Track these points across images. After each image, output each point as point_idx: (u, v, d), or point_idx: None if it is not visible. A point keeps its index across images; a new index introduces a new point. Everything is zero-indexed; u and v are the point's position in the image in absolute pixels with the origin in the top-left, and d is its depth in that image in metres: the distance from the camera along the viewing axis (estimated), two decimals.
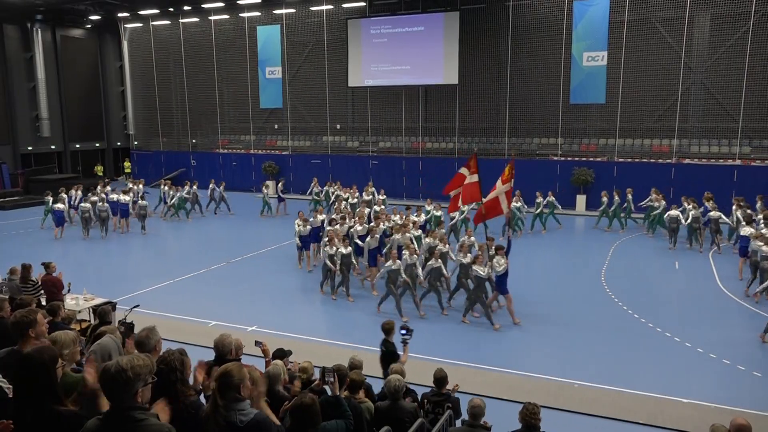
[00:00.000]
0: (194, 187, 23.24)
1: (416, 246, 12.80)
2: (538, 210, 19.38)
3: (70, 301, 10.07)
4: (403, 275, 11.54)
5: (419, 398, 6.12)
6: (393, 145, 27.96)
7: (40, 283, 9.91)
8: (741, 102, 21.32)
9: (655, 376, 8.88)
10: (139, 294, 12.92)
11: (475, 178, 12.57)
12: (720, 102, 22.32)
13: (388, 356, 7.01)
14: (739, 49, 21.16)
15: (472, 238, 12.96)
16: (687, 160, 22.45)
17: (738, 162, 21.62)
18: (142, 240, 19.83)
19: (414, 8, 26.33)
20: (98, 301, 10.11)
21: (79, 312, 9.85)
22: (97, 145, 35.85)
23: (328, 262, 12.70)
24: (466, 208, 17.62)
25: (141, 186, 23.00)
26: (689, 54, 22.30)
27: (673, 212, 16.77)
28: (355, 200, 19.74)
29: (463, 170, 13.06)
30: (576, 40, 23.06)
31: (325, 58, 27.90)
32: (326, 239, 13.31)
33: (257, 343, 6.10)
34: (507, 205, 12.22)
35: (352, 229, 14.56)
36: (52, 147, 33.02)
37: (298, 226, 14.93)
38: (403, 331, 6.84)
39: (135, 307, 9.50)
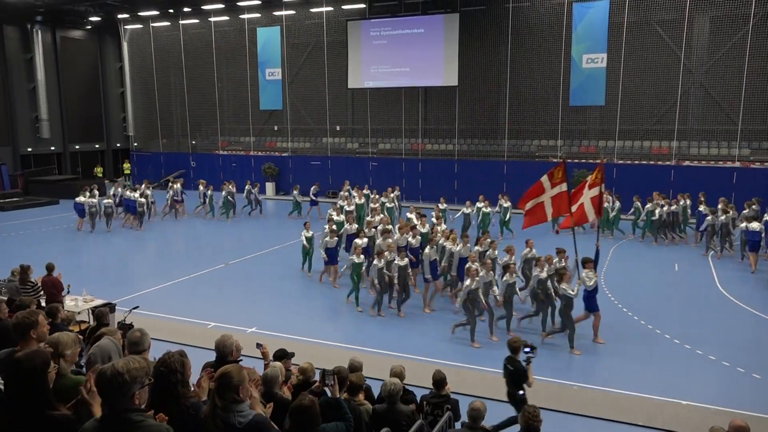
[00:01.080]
0: (231, 187, 22.80)
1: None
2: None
3: (70, 303, 10.07)
4: (481, 297, 10.29)
5: (418, 400, 6.11)
6: (393, 146, 27.97)
7: (39, 284, 9.92)
8: (740, 104, 21.35)
9: (655, 378, 8.88)
10: (138, 295, 12.92)
11: (563, 187, 11.24)
12: (719, 104, 22.35)
13: (516, 375, 6.78)
14: (739, 51, 21.18)
15: (534, 251, 12.18)
16: (686, 162, 22.47)
17: (737, 164, 21.64)
18: (143, 241, 19.84)
19: (414, 10, 26.36)
20: (98, 302, 10.11)
21: (79, 313, 9.86)
22: (97, 146, 35.84)
23: (384, 276, 11.42)
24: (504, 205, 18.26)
25: (144, 186, 22.87)
26: (689, 56, 22.33)
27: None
28: (392, 205, 19.26)
29: (545, 180, 11.36)
30: (576, 42, 23.09)
31: (324, 60, 27.92)
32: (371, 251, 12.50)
33: (258, 345, 6.11)
34: (594, 211, 11.30)
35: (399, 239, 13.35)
36: (52, 148, 33.01)
37: (325, 237, 13.83)
38: (527, 349, 6.68)
39: (134, 308, 9.51)
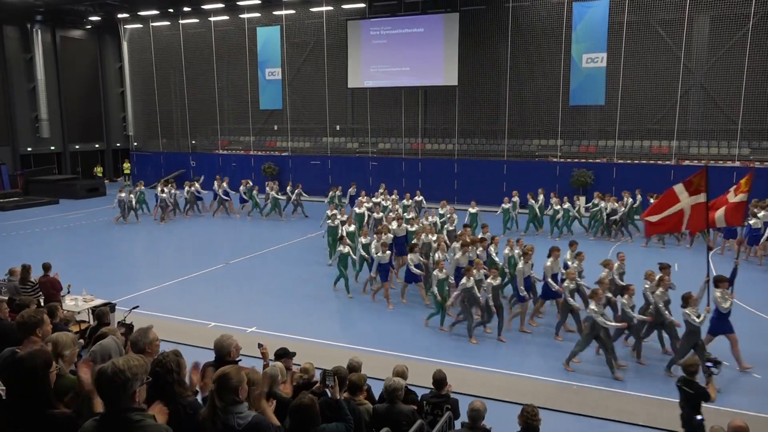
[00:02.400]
0: (276, 188, 22.74)
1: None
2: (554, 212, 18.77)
3: (70, 302, 10.07)
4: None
5: (419, 399, 6.11)
6: (392, 146, 27.96)
7: (38, 284, 9.92)
8: (740, 104, 21.34)
9: (655, 378, 8.88)
10: (138, 295, 12.92)
11: (701, 198, 9.89)
12: (719, 104, 22.35)
13: (696, 398, 6.31)
14: (739, 50, 21.18)
15: (617, 263, 11.11)
16: (686, 162, 22.47)
17: (737, 164, 21.63)
18: (143, 241, 19.86)
19: (414, 9, 26.35)
20: (98, 302, 10.10)
21: (79, 313, 9.86)
22: (97, 146, 35.87)
23: (474, 297, 10.21)
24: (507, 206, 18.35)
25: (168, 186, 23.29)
26: (688, 56, 22.32)
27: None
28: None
29: (680, 189, 9.97)
30: (575, 42, 23.08)
31: (324, 60, 27.91)
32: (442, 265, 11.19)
33: (260, 346, 6.11)
34: (738, 219, 10.23)
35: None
36: (52, 148, 33.03)
37: (377, 249, 12.86)
38: (710, 364, 6.40)
39: (134, 308, 9.51)
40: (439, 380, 6.07)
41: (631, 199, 18.61)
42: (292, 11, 28.16)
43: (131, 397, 2.87)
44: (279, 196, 22.38)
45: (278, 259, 16.66)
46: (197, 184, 23.61)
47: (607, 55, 22.68)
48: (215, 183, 23.46)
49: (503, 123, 25.35)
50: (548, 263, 11.01)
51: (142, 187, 23.57)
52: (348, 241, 13.54)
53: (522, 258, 11.13)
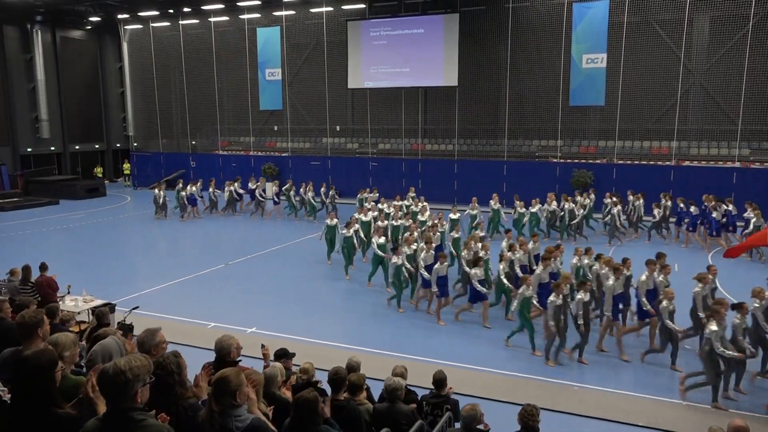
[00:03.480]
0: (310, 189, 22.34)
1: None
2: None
3: (70, 303, 10.08)
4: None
5: (419, 400, 6.11)
6: (392, 146, 27.97)
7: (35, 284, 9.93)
8: (740, 104, 21.35)
9: (655, 378, 8.88)
10: (138, 295, 12.92)
11: None
12: (719, 104, 22.35)
13: None
14: (739, 51, 21.19)
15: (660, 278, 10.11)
16: (686, 162, 22.48)
17: (737, 164, 21.64)
18: (143, 242, 19.88)
19: (414, 10, 26.37)
20: (97, 302, 10.11)
21: (78, 313, 9.86)
22: (97, 146, 35.88)
23: (561, 316, 9.19)
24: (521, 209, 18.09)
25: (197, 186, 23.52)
26: (688, 56, 22.33)
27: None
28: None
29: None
30: (575, 42, 23.09)
31: (324, 60, 27.92)
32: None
33: (262, 347, 6.12)
34: None
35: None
36: (52, 148, 33.04)
37: (428, 260, 12.03)
38: None
39: (134, 308, 9.52)
40: (440, 381, 6.07)
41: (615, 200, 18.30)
42: (292, 12, 28.17)
43: (133, 398, 2.87)
44: (314, 202, 22.01)
45: (278, 259, 16.65)
46: (236, 184, 23.67)
47: (607, 55, 22.68)
48: (251, 183, 23.48)
49: (503, 123, 25.36)
50: (643, 278, 9.82)
51: (193, 187, 23.53)
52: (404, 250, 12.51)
53: (613, 273, 10.02)
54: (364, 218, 16.24)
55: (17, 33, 30.71)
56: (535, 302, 9.99)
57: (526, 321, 9.94)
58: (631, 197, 18.62)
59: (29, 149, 31.88)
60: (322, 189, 22.65)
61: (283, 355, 6.26)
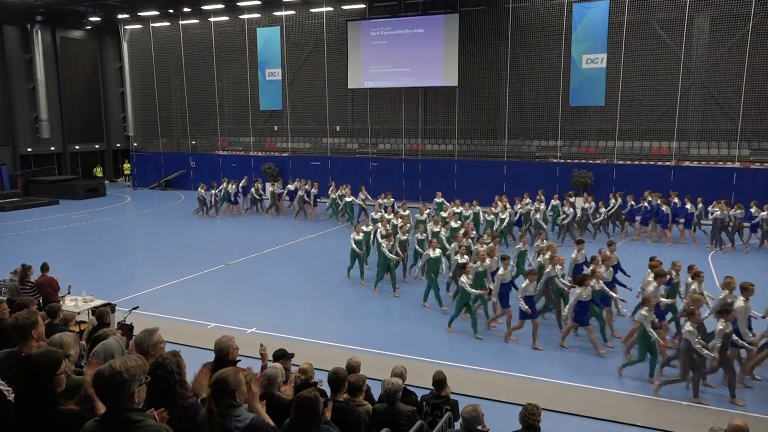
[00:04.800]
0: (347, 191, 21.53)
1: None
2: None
3: (70, 303, 10.08)
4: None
5: (418, 400, 6.11)
6: (392, 146, 27.97)
7: (36, 284, 9.93)
8: (740, 104, 21.35)
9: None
10: (138, 295, 12.92)
11: None
12: (719, 104, 22.35)
13: None
14: (739, 50, 21.18)
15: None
16: (686, 163, 22.48)
17: (737, 164, 21.64)
18: (143, 242, 19.90)
19: (414, 10, 26.36)
20: (97, 302, 10.11)
21: (79, 313, 9.86)
22: (97, 146, 35.89)
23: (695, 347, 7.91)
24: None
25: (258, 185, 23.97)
26: (689, 56, 22.33)
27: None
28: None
29: None
30: (575, 43, 23.08)
31: (324, 60, 27.92)
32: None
33: (261, 346, 6.13)
34: None
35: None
36: (52, 148, 33.05)
37: (487, 267, 11.22)
38: None
39: (134, 308, 9.53)
40: (439, 381, 6.07)
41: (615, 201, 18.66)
42: (292, 12, 28.17)
43: (130, 398, 2.87)
44: (358, 201, 20.94)
45: (278, 259, 16.66)
46: (277, 184, 23.72)
47: (607, 55, 22.68)
48: (295, 183, 23.00)
49: (503, 124, 25.36)
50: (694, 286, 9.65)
51: (227, 184, 23.61)
52: (436, 244, 12.34)
53: (654, 279, 9.74)
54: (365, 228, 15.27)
55: (17, 33, 30.72)
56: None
57: (598, 316, 9.97)
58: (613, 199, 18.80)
59: (29, 149, 31.89)
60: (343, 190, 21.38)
61: (281, 355, 6.25)
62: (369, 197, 21.23)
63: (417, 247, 13.76)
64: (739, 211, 16.94)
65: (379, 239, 13.66)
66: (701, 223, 18.04)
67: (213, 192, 23.24)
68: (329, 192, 21.87)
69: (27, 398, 3.19)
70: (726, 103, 22.06)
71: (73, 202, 27.63)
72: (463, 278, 10.45)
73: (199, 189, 23.10)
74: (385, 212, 17.06)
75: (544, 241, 12.93)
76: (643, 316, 8.56)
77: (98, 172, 34.59)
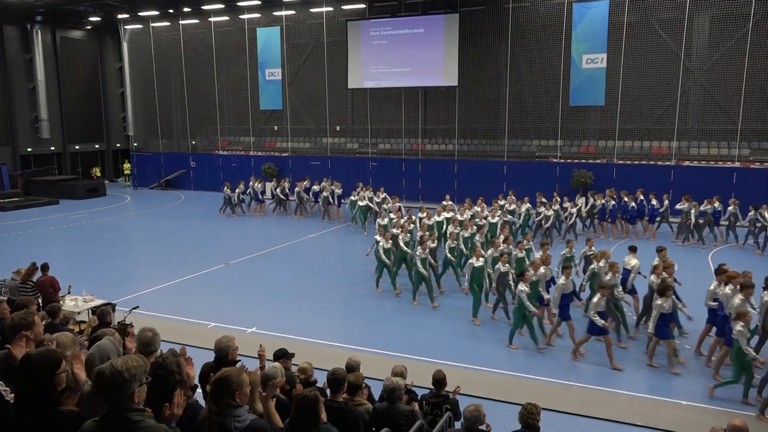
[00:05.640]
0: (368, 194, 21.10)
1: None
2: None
3: (70, 303, 10.09)
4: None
5: (418, 399, 6.11)
6: (392, 146, 27.97)
7: (36, 284, 9.94)
8: (740, 104, 21.34)
9: (654, 379, 8.88)
10: (138, 295, 12.92)
11: None
12: (719, 104, 22.34)
13: None
14: (739, 50, 21.17)
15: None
16: (686, 162, 22.47)
17: (737, 164, 21.63)
18: (143, 242, 19.89)
19: (414, 10, 26.35)
20: (98, 302, 10.12)
21: (79, 313, 9.87)
22: (97, 146, 35.89)
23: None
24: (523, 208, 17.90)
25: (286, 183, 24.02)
26: (688, 56, 22.32)
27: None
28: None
29: None
30: (575, 42, 23.08)
31: (324, 60, 27.91)
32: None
33: (260, 347, 6.12)
34: None
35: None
36: (52, 148, 33.05)
37: (559, 276, 10.61)
38: None
39: (134, 308, 9.53)
40: (439, 380, 6.07)
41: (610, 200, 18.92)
42: (292, 12, 28.16)
43: (131, 398, 2.87)
44: (373, 204, 20.40)
45: (278, 259, 16.66)
46: (305, 184, 23.37)
47: (607, 55, 22.67)
48: (322, 184, 22.62)
49: (503, 123, 25.35)
50: (728, 291, 9.32)
51: (257, 184, 23.81)
52: (481, 252, 11.58)
53: (741, 291, 9.12)
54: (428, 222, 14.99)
55: (17, 33, 30.71)
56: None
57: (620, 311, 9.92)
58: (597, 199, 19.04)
59: (29, 149, 31.89)
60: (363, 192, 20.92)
61: (282, 355, 6.25)
62: (389, 198, 20.29)
63: (448, 255, 12.99)
64: (709, 206, 17.51)
65: (403, 246, 12.88)
66: (670, 220, 18.73)
67: (237, 191, 23.28)
68: (354, 194, 21.17)
69: (27, 398, 3.19)
70: (726, 102, 22.04)
71: (73, 202, 27.64)
72: (522, 286, 9.74)
73: (225, 188, 23.30)
74: (395, 215, 16.50)
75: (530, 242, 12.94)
76: (740, 332, 7.89)
77: (96, 172, 34.61)
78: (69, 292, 10.56)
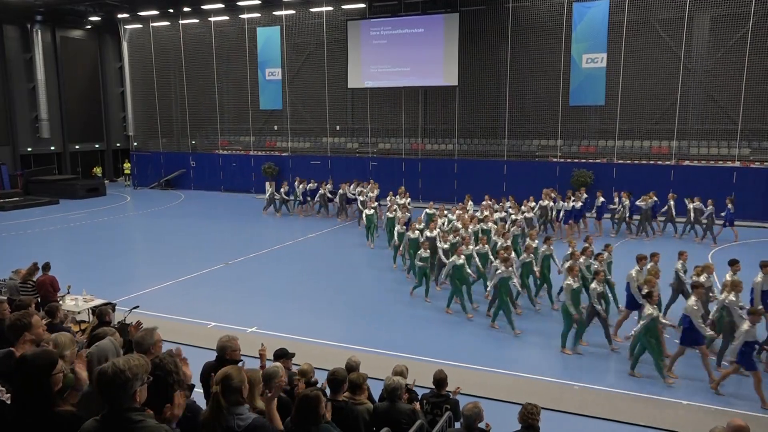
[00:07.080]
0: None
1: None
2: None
3: (70, 302, 10.08)
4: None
5: (419, 399, 6.11)
6: (392, 146, 27.96)
7: (36, 283, 9.94)
8: (740, 104, 21.34)
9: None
10: (138, 295, 12.91)
11: None
12: (719, 104, 22.34)
13: None
14: (739, 50, 21.17)
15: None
16: (686, 162, 22.47)
17: (737, 164, 21.63)
18: (143, 241, 19.88)
19: (414, 10, 26.35)
20: (98, 302, 10.12)
21: (79, 313, 9.87)
22: (97, 146, 35.88)
23: None
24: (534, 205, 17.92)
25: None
26: (689, 55, 22.32)
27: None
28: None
29: None
30: (575, 42, 23.08)
31: (324, 60, 27.91)
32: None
33: (261, 346, 6.12)
34: None
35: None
36: (52, 148, 33.04)
37: (634, 279, 10.52)
38: None
39: (134, 308, 9.53)
40: (440, 380, 6.07)
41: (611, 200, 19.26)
42: (292, 11, 28.15)
43: (132, 397, 2.86)
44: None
45: (278, 259, 16.66)
46: (350, 186, 22.49)
47: (607, 55, 22.67)
48: (352, 185, 22.15)
49: (503, 123, 25.35)
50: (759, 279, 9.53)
51: (298, 184, 23.64)
52: (462, 250, 11.74)
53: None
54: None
55: (17, 33, 30.70)
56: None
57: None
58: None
59: (29, 149, 31.88)
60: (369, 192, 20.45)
61: (282, 355, 6.24)
62: (409, 201, 19.58)
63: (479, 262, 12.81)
64: (650, 201, 18.07)
65: (441, 252, 12.66)
66: (633, 218, 18.91)
67: (282, 192, 23.37)
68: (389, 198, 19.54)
69: (25, 398, 3.19)
70: (726, 102, 22.04)
71: (73, 202, 27.64)
72: (566, 289, 9.80)
73: (268, 187, 23.99)
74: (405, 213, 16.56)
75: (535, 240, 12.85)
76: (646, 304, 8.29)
77: (97, 171, 34.62)
78: (68, 292, 10.56)
